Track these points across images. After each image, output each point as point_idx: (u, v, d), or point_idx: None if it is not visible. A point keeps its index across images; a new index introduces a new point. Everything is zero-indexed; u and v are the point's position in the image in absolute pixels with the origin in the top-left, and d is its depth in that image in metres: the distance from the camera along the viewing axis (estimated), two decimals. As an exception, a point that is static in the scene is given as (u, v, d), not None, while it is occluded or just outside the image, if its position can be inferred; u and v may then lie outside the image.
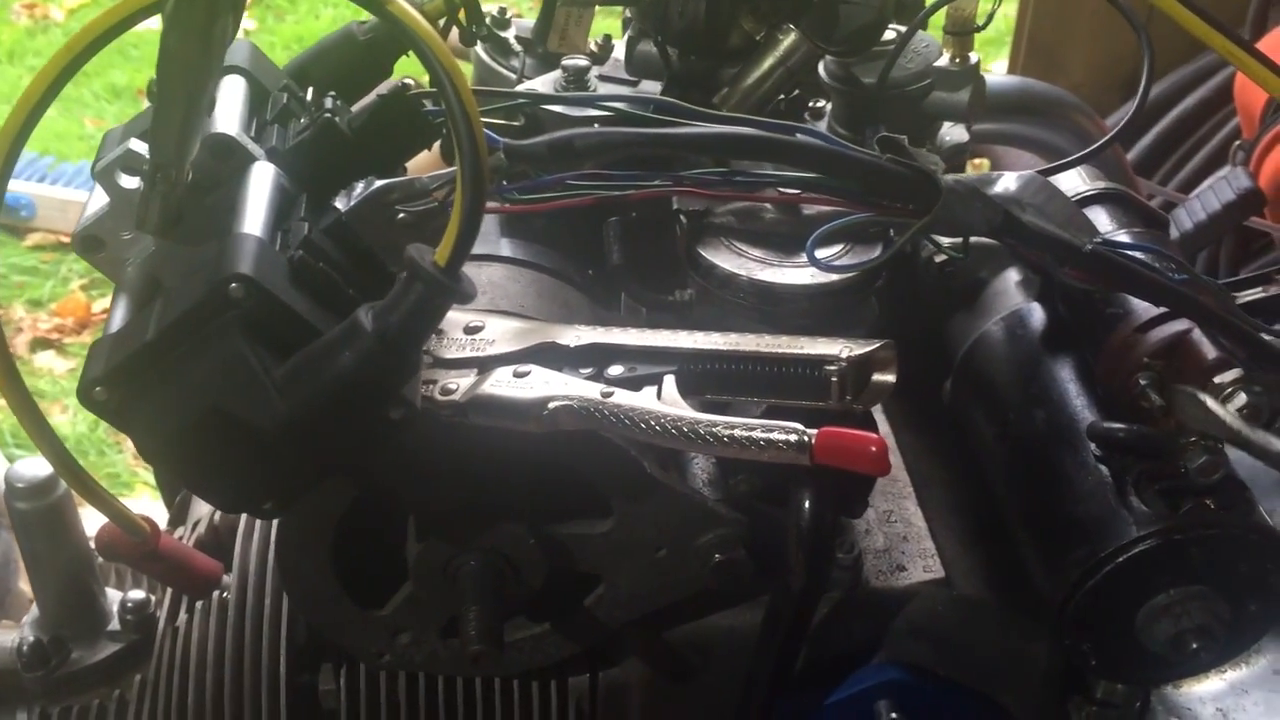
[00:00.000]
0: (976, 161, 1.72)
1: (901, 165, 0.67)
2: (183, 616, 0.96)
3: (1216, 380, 0.80)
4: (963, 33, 0.89)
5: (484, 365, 0.69)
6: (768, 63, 0.85)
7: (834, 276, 0.76)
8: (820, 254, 0.78)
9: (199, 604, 0.95)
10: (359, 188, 0.66)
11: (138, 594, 0.99)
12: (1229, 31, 0.72)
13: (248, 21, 4.44)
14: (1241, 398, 0.79)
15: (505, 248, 0.87)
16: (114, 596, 1.00)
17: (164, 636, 0.96)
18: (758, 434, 0.62)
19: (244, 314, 0.59)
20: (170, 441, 0.61)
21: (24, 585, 1.72)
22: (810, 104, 1.00)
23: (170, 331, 0.60)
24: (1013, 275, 1.03)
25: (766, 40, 0.85)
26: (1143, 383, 0.84)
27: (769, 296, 0.78)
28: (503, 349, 0.70)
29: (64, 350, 2.88)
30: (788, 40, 0.85)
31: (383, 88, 0.72)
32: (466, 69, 1.22)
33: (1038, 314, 0.99)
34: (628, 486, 0.76)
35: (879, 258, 0.74)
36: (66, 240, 3.15)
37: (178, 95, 0.56)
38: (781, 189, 0.69)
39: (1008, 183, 0.66)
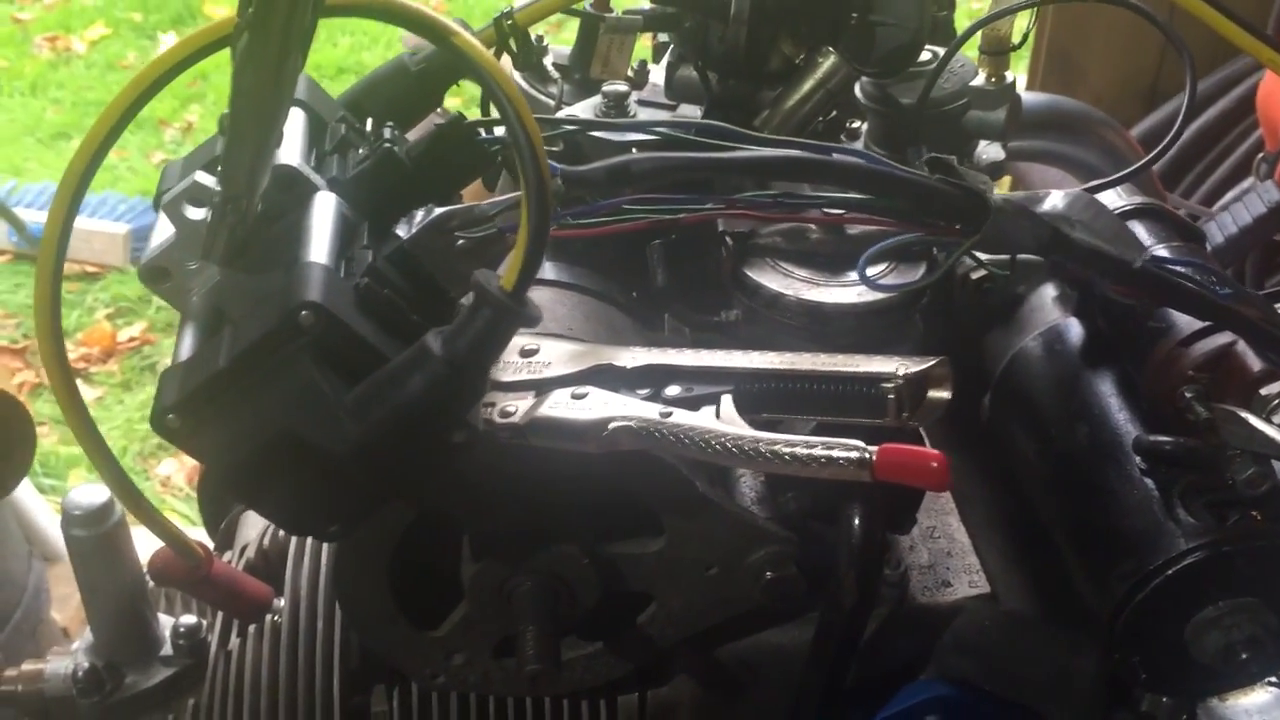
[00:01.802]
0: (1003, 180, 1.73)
1: (952, 185, 0.68)
2: (235, 641, 0.97)
3: (1263, 392, 0.81)
4: (998, 52, 0.90)
5: (541, 387, 0.70)
6: (808, 85, 0.86)
7: (881, 295, 0.77)
8: (870, 272, 0.79)
9: (251, 628, 0.96)
10: (419, 215, 0.67)
11: (190, 619, 1.00)
12: (1258, 31, 0.72)
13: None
14: (1288, 410, 0.80)
15: (550, 271, 0.88)
16: (166, 622, 1.01)
17: (216, 661, 0.97)
18: (818, 451, 0.63)
19: (314, 341, 0.60)
20: (242, 466, 0.62)
21: (56, 614, 1.74)
22: (846, 125, 1.01)
23: (242, 358, 0.61)
24: (1049, 291, 1.04)
25: (806, 63, 0.87)
26: (1188, 395, 0.85)
27: (817, 315, 0.79)
28: (559, 371, 0.71)
29: (90, 379, 2.90)
30: (827, 63, 0.86)
31: (436, 117, 0.73)
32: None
33: (1076, 329, 1.00)
34: (679, 505, 0.77)
35: (928, 276, 0.75)
36: (91, 270, 3.18)
37: (250, 129, 0.57)
38: (828, 210, 0.70)
39: (1055, 200, 0.67)
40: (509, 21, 0.76)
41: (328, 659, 0.91)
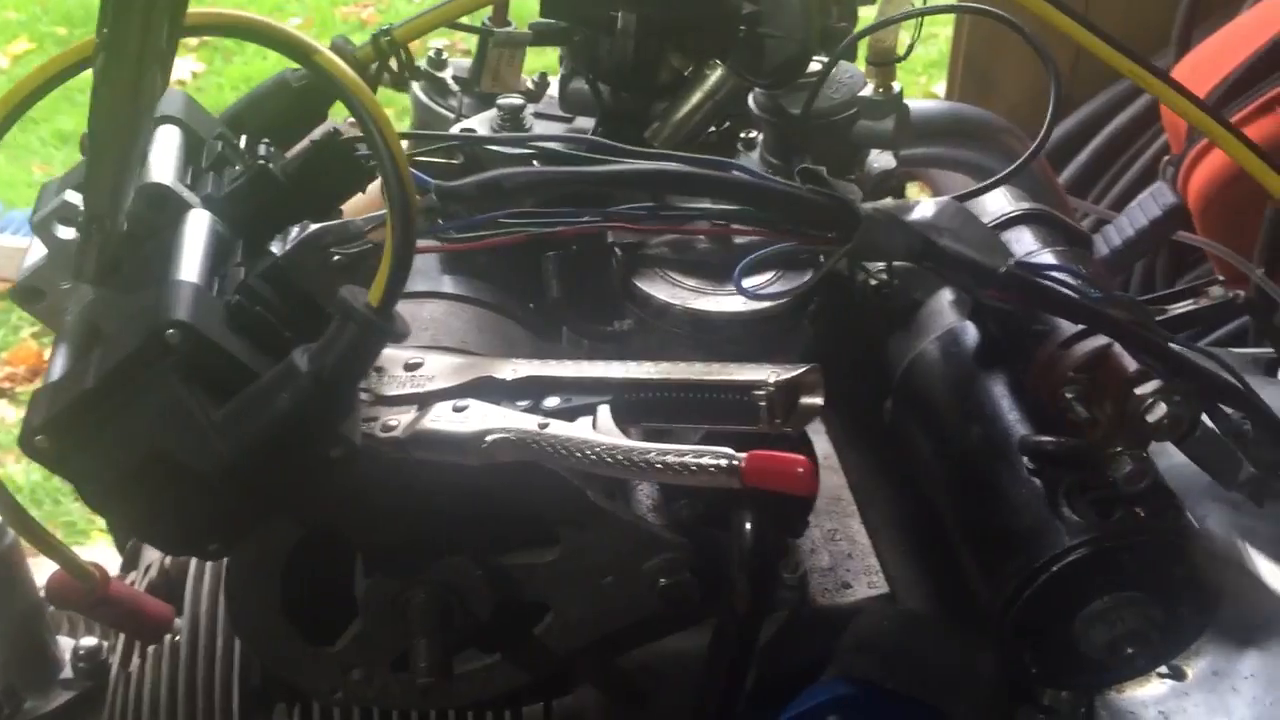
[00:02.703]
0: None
1: (821, 195, 0.69)
2: (135, 662, 0.96)
3: (1138, 392, 0.83)
4: (884, 63, 0.92)
5: (424, 401, 0.71)
6: (696, 97, 0.87)
7: (764, 304, 0.78)
8: (749, 282, 0.80)
9: (151, 649, 0.96)
10: (294, 232, 0.67)
11: (90, 641, 0.99)
12: (1142, 60, 0.75)
13: (196, 64, 4.44)
14: (1162, 408, 0.82)
15: (446, 284, 0.88)
16: (66, 644, 1.00)
17: (117, 683, 0.97)
18: (689, 459, 0.64)
19: (182, 359, 0.60)
20: (112, 488, 0.62)
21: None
22: (743, 134, 1.02)
23: (109, 378, 0.61)
24: (946, 295, 1.06)
25: (694, 75, 0.88)
26: (1069, 396, 0.87)
27: (703, 324, 0.80)
28: (441, 384, 0.71)
29: (16, 399, 2.85)
30: (715, 75, 0.87)
31: (316, 133, 0.73)
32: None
33: (971, 332, 1.02)
34: (572, 515, 0.78)
35: (802, 285, 0.76)
36: (17, 288, 3.13)
37: (110, 150, 0.57)
38: (711, 221, 0.71)
39: (925, 209, 0.69)
40: (387, 38, 0.76)
41: (227, 678, 0.91)
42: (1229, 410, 0.88)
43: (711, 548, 0.83)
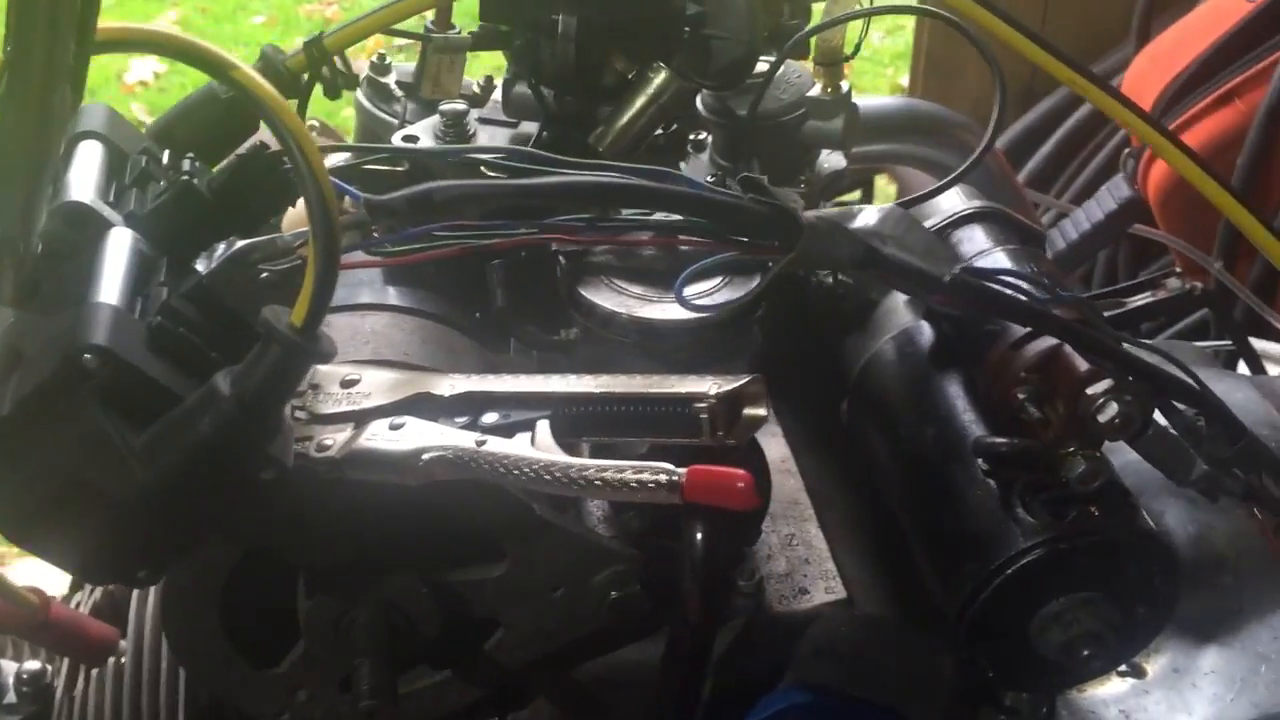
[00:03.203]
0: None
1: (763, 204, 0.68)
2: (79, 686, 0.94)
3: (1089, 392, 0.82)
4: (831, 63, 0.91)
5: (360, 419, 0.69)
6: (640, 101, 0.86)
7: (750, 297, 0.77)
8: (693, 289, 0.79)
9: (94, 672, 0.94)
10: (221, 249, 0.65)
11: (33, 665, 0.97)
12: (1083, 69, 0.74)
13: (158, 65, 4.39)
14: (1114, 407, 0.81)
15: (389, 295, 0.87)
16: (9, 668, 0.98)
17: (61, 707, 0.95)
18: (628, 475, 0.62)
19: (100, 384, 0.59)
20: (31, 517, 0.60)
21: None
22: (693, 136, 1.01)
23: (25, 405, 0.59)
24: (901, 295, 1.05)
25: (638, 79, 0.86)
26: (1021, 396, 0.86)
27: (649, 333, 0.79)
28: (378, 401, 0.70)
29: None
30: (659, 78, 0.86)
31: (243, 147, 0.71)
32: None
33: (926, 332, 1.01)
34: (517, 530, 0.76)
35: (745, 295, 0.75)
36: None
37: (18, 170, 0.56)
38: (643, 232, 0.70)
39: (868, 217, 0.67)
40: (318, 47, 0.74)
41: (172, 700, 0.89)
42: (1182, 406, 0.87)
43: (663, 558, 0.82)
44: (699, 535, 0.79)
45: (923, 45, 2.35)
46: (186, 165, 0.68)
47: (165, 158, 0.69)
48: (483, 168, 0.81)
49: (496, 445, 0.65)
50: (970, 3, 0.71)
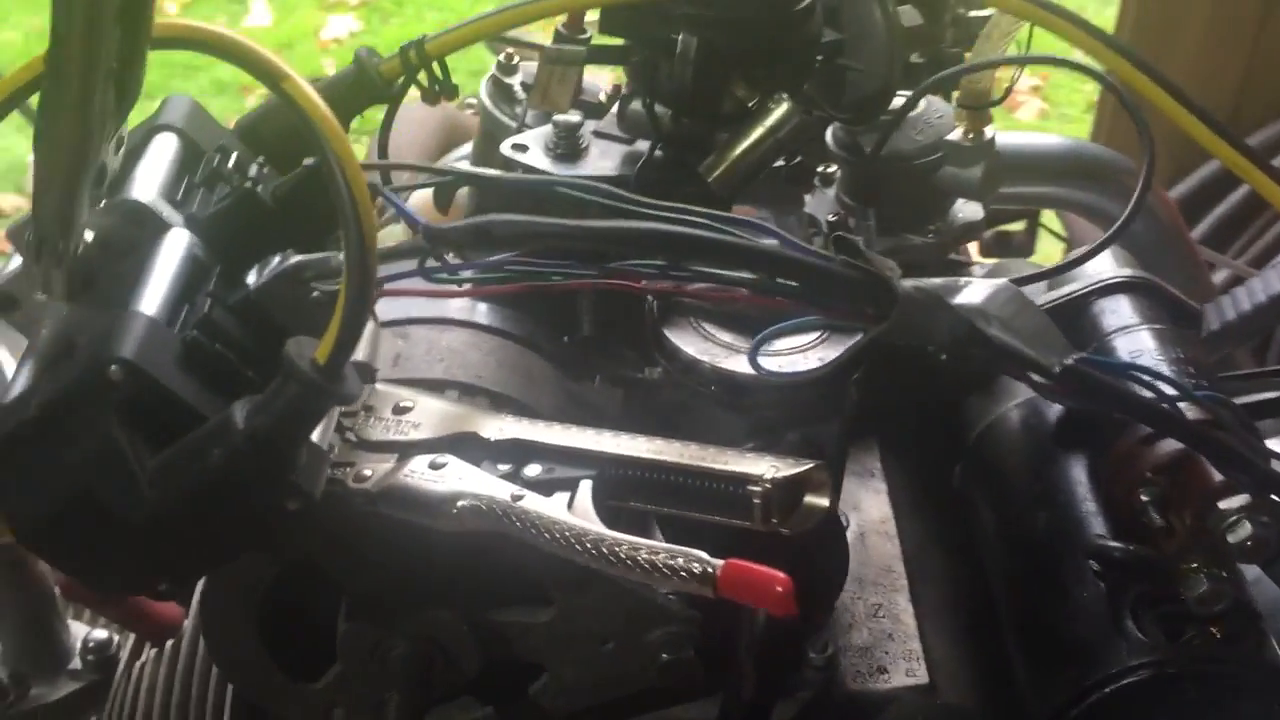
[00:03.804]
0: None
1: (855, 269, 0.61)
2: (138, 662, 0.94)
3: (1221, 506, 0.73)
4: (977, 107, 0.83)
5: (405, 451, 0.66)
6: (757, 133, 0.80)
7: (832, 365, 0.71)
8: (784, 344, 0.73)
9: (154, 650, 0.94)
10: (275, 262, 0.63)
11: (101, 633, 0.98)
12: (1238, 142, 0.65)
13: (354, 23, 4.50)
14: (1247, 528, 0.72)
15: (473, 312, 0.83)
16: (80, 633, 0.99)
17: (120, 680, 0.95)
18: (661, 559, 0.57)
19: (123, 398, 0.56)
20: (43, 523, 0.59)
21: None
22: (821, 169, 0.95)
23: (47, 409, 0.57)
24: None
25: (758, 108, 0.80)
26: (1145, 499, 0.77)
27: (731, 386, 0.73)
28: (426, 435, 0.66)
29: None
30: (779, 111, 0.79)
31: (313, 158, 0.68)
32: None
33: (1054, 405, 0.93)
34: (566, 578, 0.72)
35: (823, 367, 0.68)
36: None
37: (55, 174, 0.54)
38: (721, 286, 0.64)
39: (974, 293, 0.60)
40: (416, 52, 0.70)
41: (221, 689, 0.88)
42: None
43: (723, 621, 0.76)
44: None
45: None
46: (253, 170, 0.65)
47: (235, 159, 0.67)
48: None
49: (532, 503, 0.61)
50: (1132, 68, 0.63)
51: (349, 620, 0.74)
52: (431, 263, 0.66)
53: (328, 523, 0.65)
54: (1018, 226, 2.02)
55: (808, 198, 0.96)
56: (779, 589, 0.54)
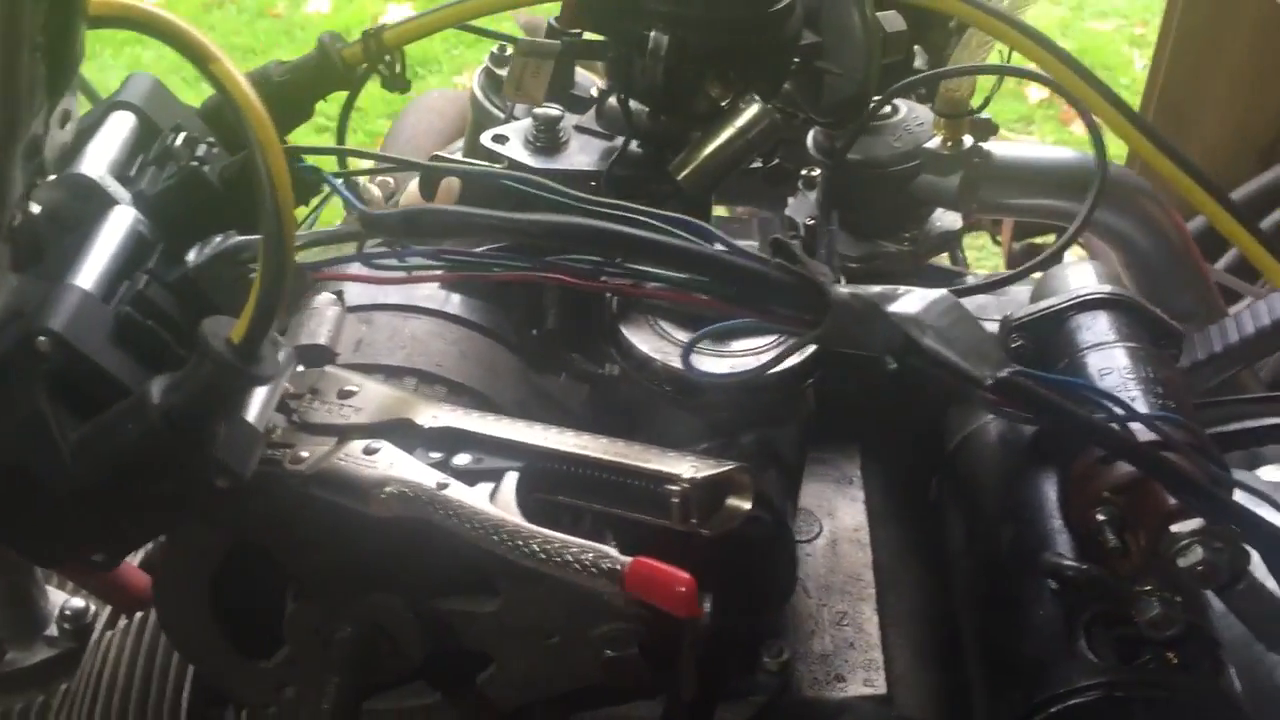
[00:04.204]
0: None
1: (787, 273, 0.61)
2: (109, 632, 0.96)
3: (1173, 530, 0.72)
4: (954, 115, 0.82)
5: (344, 434, 0.66)
6: (727, 133, 0.79)
7: (755, 369, 0.70)
8: (744, 345, 0.73)
9: (123, 621, 0.95)
10: (217, 241, 0.63)
11: (78, 602, 0.99)
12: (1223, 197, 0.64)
13: (411, 11, 4.54)
14: (1198, 553, 0.71)
15: (440, 300, 0.83)
16: (57, 600, 1.00)
17: (93, 649, 0.96)
18: (572, 553, 0.57)
19: (52, 370, 0.57)
20: (-24, 492, 0.60)
21: None
22: (804, 171, 0.94)
23: (-21, 378, 0.58)
24: (1017, 371, 0.95)
25: (730, 108, 0.80)
26: (1101, 518, 0.76)
27: (682, 385, 0.73)
28: (365, 420, 0.67)
29: None
30: (750, 111, 0.79)
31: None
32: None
33: (1031, 420, 0.91)
34: (511, 570, 0.72)
35: (756, 369, 0.68)
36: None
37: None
38: (658, 286, 0.64)
39: (911, 302, 0.60)
40: (376, 40, 0.71)
41: (183, 666, 0.89)
42: (1291, 563, 0.75)
43: (670, 620, 0.76)
44: (705, 607, 0.74)
45: (1156, 88, 2.17)
46: (201, 150, 0.66)
47: (185, 137, 0.67)
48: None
49: (456, 491, 0.61)
50: (1079, 80, 0.61)
51: (295, 601, 0.75)
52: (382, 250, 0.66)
53: (265, 502, 0.66)
54: (1048, 239, 1.99)
55: (790, 200, 0.95)
56: (681, 589, 0.54)
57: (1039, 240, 1.96)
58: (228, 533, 0.72)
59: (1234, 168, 2.16)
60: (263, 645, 0.80)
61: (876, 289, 0.61)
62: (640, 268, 0.61)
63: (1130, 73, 4.15)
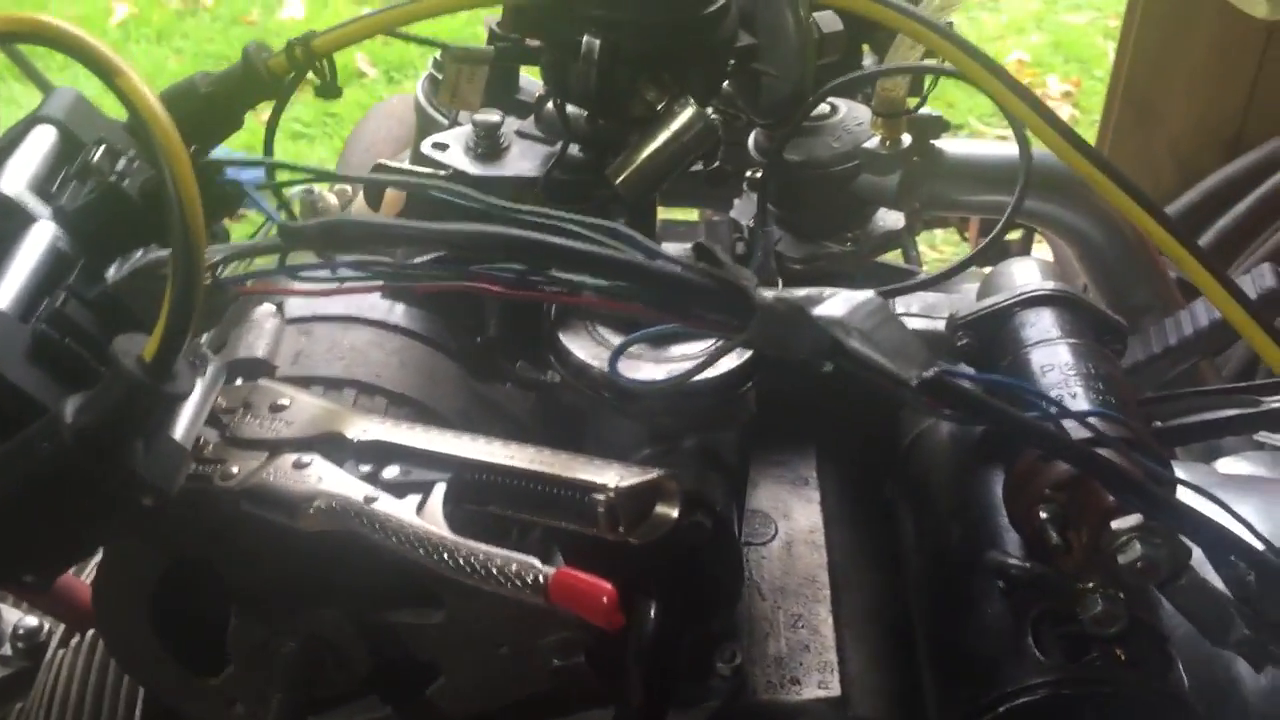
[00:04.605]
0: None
1: (710, 277, 0.60)
2: (61, 650, 0.95)
3: (1114, 525, 0.72)
4: (891, 114, 0.82)
5: (274, 449, 0.66)
6: (662, 137, 0.79)
7: (690, 373, 0.70)
8: (681, 350, 0.72)
9: (76, 639, 0.94)
10: (138, 256, 0.63)
11: (31, 621, 0.99)
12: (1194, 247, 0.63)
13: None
14: (1137, 549, 0.71)
15: (380, 310, 0.83)
16: (10, 619, 1.00)
17: (46, 667, 0.96)
18: (497, 564, 0.57)
19: None
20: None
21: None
22: (750, 173, 0.94)
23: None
24: (968, 369, 0.95)
25: (664, 112, 0.80)
26: (1043, 515, 0.76)
27: (619, 392, 0.73)
28: (295, 434, 0.66)
29: None
30: (684, 115, 0.79)
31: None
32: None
33: (981, 417, 0.91)
34: (452, 582, 0.71)
35: (683, 375, 0.67)
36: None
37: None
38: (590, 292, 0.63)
39: (836, 305, 0.59)
40: (303, 48, 0.70)
41: (134, 685, 0.88)
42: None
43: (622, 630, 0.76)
44: (651, 611, 0.74)
45: (1120, 82, 2.18)
46: (121, 164, 0.65)
47: (105, 151, 0.67)
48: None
49: (384, 505, 0.61)
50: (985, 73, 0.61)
51: (237, 617, 0.75)
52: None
53: (195, 519, 0.65)
54: (1014, 236, 1.99)
55: (736, 201, 0.95)
56: (604, 600, 0.53)
57: (1009, 236, 1.96)
58: (164, 549, 0.71)
59: (1199, 160, 2.17)
60: (214, 661, 0.80)
61: (802, 292, 0.60)
62: (566, 276, 0.61)
63: (1105, 64, 4.15)
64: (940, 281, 0.80)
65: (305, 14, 4.48)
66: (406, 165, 0.90)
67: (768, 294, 0.60)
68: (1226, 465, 1.17)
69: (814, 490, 1.03)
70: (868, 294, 0.61)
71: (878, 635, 0.94)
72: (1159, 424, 0.93)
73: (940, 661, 0.84)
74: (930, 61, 0.81)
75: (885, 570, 0.98)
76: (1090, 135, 3.76)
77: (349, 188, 1.39)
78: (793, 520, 1.01)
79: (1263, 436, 1.24)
